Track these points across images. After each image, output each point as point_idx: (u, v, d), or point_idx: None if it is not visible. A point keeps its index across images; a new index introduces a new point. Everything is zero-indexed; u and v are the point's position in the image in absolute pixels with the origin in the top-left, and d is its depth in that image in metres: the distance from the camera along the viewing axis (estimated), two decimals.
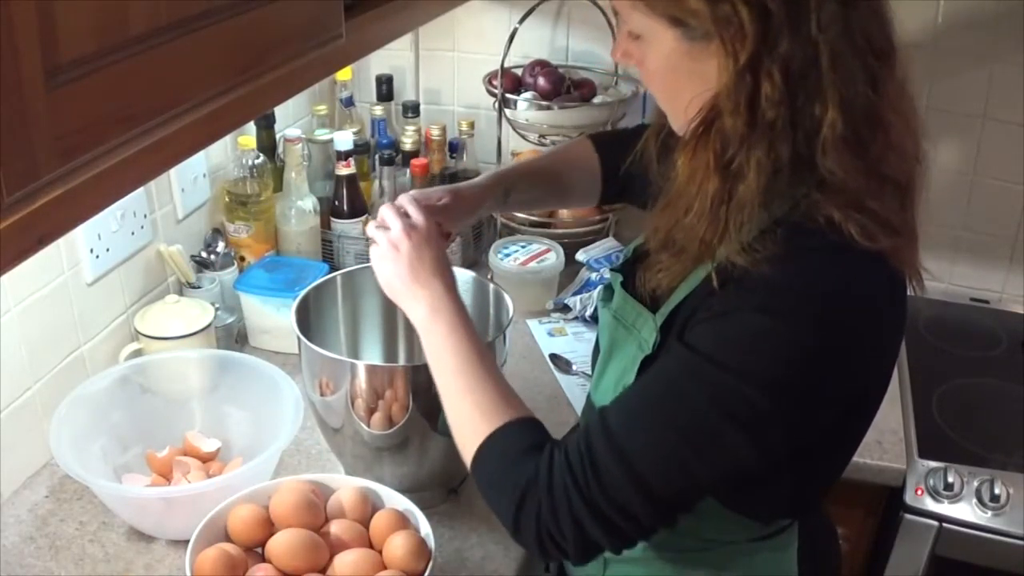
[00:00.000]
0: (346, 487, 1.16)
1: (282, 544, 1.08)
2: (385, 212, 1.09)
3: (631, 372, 0.98)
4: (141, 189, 1.45)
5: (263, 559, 1.09)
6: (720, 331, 0.87)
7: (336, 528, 1.10)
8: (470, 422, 0.97)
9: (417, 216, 1.08)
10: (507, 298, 1.30)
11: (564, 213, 1.94)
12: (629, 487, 0.87)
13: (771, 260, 0.85)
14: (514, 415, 0.96)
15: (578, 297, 1.76)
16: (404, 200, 1.12)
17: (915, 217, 0.93)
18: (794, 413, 0.87)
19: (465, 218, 1.22)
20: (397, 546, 1.09)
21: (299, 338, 1.22)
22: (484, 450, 0.94)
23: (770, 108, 0.83)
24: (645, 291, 0.98)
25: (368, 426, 1.21)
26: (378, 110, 1.97)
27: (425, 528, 1.11)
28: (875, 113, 0.86)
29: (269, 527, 1.12)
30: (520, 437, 0.94)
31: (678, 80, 0.91)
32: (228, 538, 1.10)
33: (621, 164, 1.25)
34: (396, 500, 1.15)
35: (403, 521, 1.12)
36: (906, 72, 0.90)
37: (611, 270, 1.13)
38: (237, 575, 1.06)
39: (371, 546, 1.10)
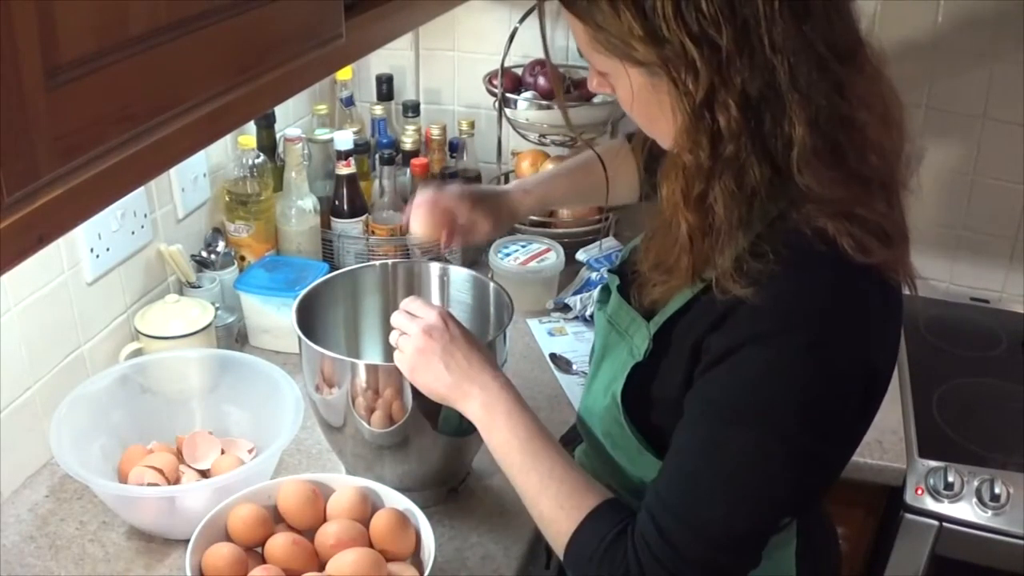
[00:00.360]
0: (346, 487, 1.16)
1: (282, 544, 1.08)
2: (397, 320, 1.10)
3: (621, 377, 0.99)
4: (141, 189, 1.45)
5: (263, 559, 1.09)
6: (731, 378, 0.88)
7: (336, 528, 1.10)
8: (553, 521, 0.96)
9: (426, 313, 1.08)
10: (507, 297, 1.31)
11: (564, 213, 1.94)
12: (710, 552, 0.88)
13: (769, 280, 0.84)
14: (592, 503, 0.95)
15: (578, 297, 1.76)
16: (409, 303, 1.12)
17: (904, 215, 0.93)
18: (819, 436, 0.88)
19: (501, 233, 1.24)
20: (397, 546, 1.09)
21: (300, 337, 1.22)
22: (573, 548, 0.94)
23: (731, 139, 0.82)
24: (639, 304, 0.99)
25: (369, 425, 1.21)
26: (378, 110, 1.97)
27: (425, 528, 1.11)
28: (845, 118, 0.84)
29: (269, 527, 1.12)
30: (602, 526, 0.94)
31: (650, 111, 0.91)
32: (228, 538, 1.10)
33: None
34: (396, 500, 1.15)
35: (403, 521, 1.12)
36: (878, 58, 0.88)
37: (608, 271, 1.13)
38: (240, 574, 1.06)
39: (371, 546, 1.10)
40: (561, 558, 0.96)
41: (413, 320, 1.08)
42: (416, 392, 1.18)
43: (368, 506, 1.14)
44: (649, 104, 0.90)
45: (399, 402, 1.19)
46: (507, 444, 1.01)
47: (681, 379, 0.93)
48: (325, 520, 1.13)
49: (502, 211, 1.31)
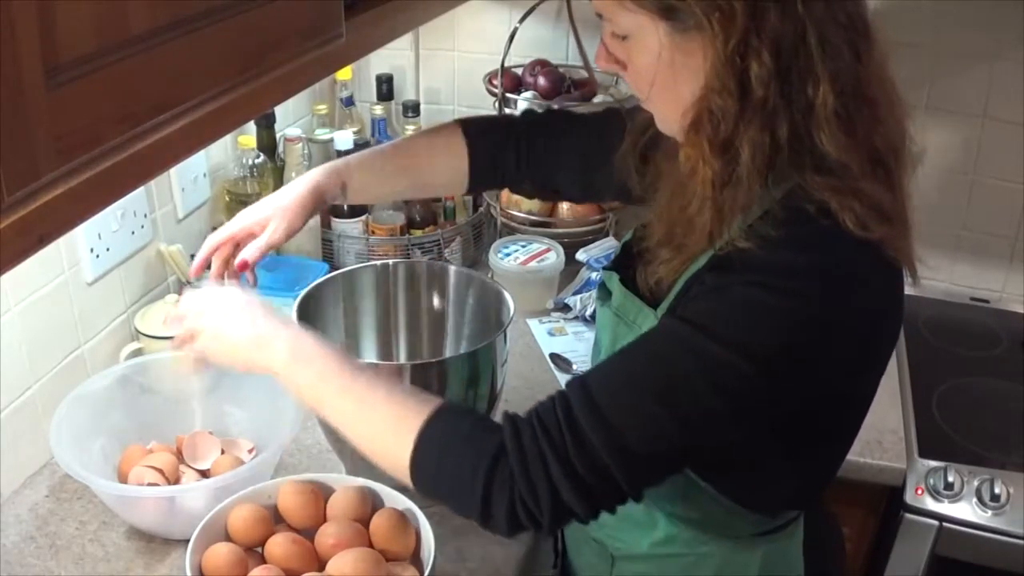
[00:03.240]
0: (346, 487, 1.16)
1: (281, 544, 1.08)
2: (182, 309, 1.05)
3: None
4: (141, 189, 1.45)
5: (263, 559, 1.09)
6: (713, 303, 0.87)
7: (336, 528, 1.10)
8: (393, 425, 0.91)
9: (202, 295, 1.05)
10: (507, 297, 1.31)
11: (564, 212, 1.94)
12: (609, 448, 0.84)
13: (769, 242, 0.85)
14: (438, 402, 0.91)
15: (578, 296, 1.76)
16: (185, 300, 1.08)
17: (905, 204, 0.93)
18: (781, 389, 0.87)
19: (298, 226, 1.19)
20: (397, 545, 1.10)
21: None
22: (423, 443, 0.89)
23: (760, 87, 0.84)
24: (645, 287, 0.98)
25: None
26: (378, 109, 1.97)
27: (425, 528, 1.11)
28: (862, 88, 0.87)
29: (269, 527, 1.12)
30: (460, 419, 0.91)
31: (666, 75, 0.90)
32: (228, 538, 1.10)
33: (497, 153, 1.25)
34: (396, 499, 1.15)
35: (403, 521, 1.12)
36: (884, 54, 0.91)
37: (604, 269, 1.13)
38: (240, 574, 1.06)
39: (371, 546, 1.10)
40: (402, 463, 0.89)
41: (195, 303, 1.04)
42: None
43: (368, 506, 1.14)
44: (671, 69, 0.89)
45: None
46: (323, 373, 0.94)
47: None
48: (325, 520, 1.13)
49: (294, 204, 1.20)
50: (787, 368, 0.85)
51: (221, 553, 1.06)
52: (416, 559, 1.11)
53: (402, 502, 1.15)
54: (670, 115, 0.93)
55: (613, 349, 1.05)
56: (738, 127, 0.85)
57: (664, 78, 0.90)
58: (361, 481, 1.17)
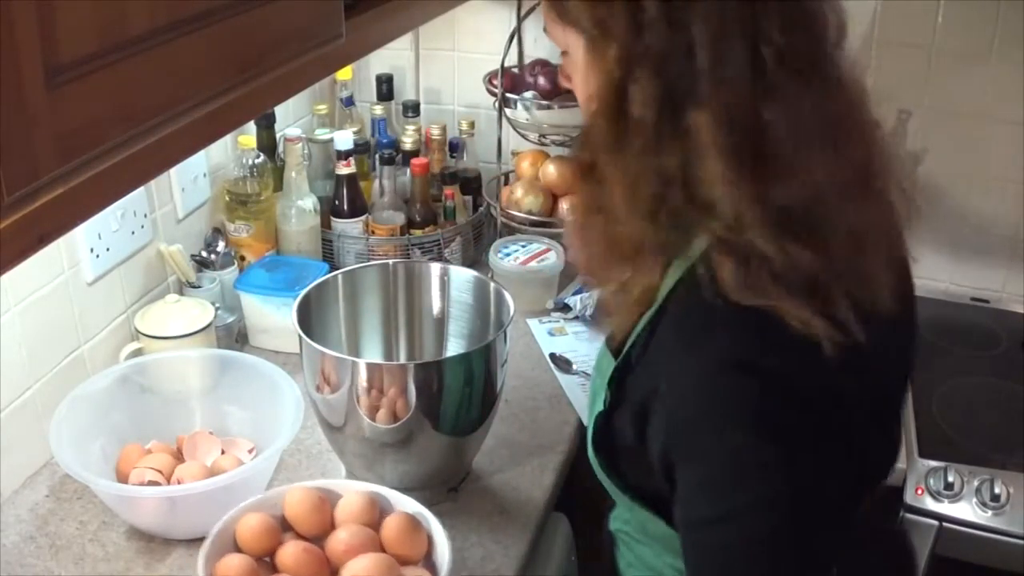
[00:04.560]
0: (353, 492, 1.15)
1: (293, 553, 1.07)
2: None
3: (590, 428, 0.95)
4: (141, 189, 1.45)
5: (274, 568, 1.09)
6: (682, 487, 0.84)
7: (346, 534, 1.10)
8: None
9: None
10: (507, 297, 1.31)
11: (564, 212, 1.94)
12: None
13: (668, 329, 0.82)
14: None
15: (578, 296, 1.76)
16: None
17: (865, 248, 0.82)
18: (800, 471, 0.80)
19: None
20: (409, 549, 1.09)
21: (301, 337, 1.22)
22: None
23: (637, 108, 0.77)
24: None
25: (369, 424, 1.21)
26: (378, 109, 1.97)
27: (438, 530, 1.11)
28: (762, 129, 0.76)
29: (277, 535, 1.11)
30: None
31: (588, 86, 0.85)
32: (237, 548, 1.09)
33: None
34: (404, 503, 1.15)
35: (414, 524, 1.11)
36: (854, 83, 0.82)
37: None
38: None
39: (383, 550, 1.09)
40: None
41: None
42: (418, 391, 1.19)
43: (376, 511, 1.14)
44: (589, 82, 0.84)
45: (400, 401, 1.19)
46: None
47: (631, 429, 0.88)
48: (334, 527, 1.12)
49: None
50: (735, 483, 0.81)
51: (232, 564, 1.05)
52: (429, 562, 1.11)
53: (411, 505, 1.14)
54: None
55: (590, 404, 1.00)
56: (610, 153, 0.79)
57: (583, 91, 0.87)
58: (367, 486, 1.17)
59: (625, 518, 1.07)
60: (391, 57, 2.08)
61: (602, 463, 0.95)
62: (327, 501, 1.14)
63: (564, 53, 0.90)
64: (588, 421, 0.97)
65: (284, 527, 1.13)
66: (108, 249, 1.45)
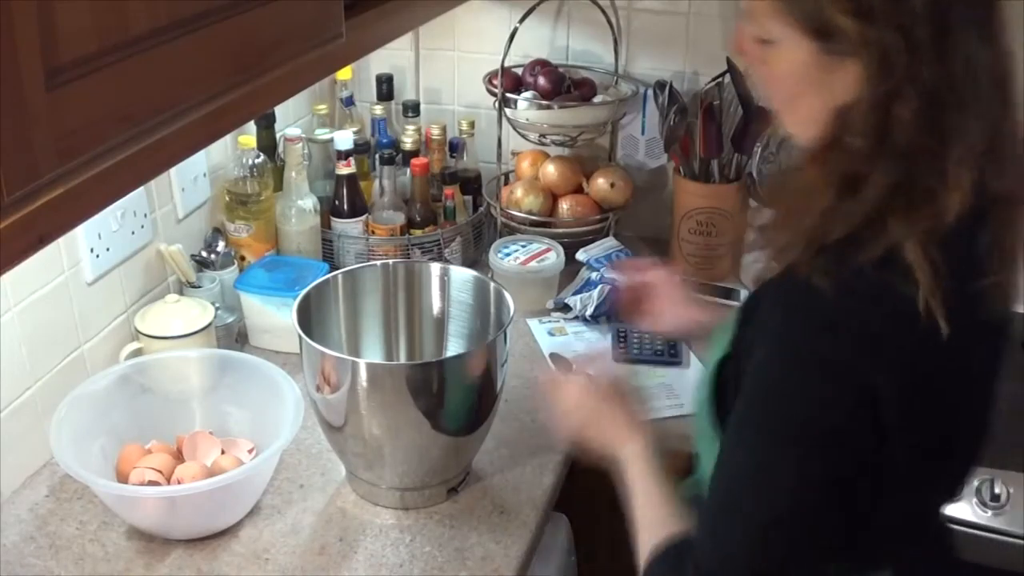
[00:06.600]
0: None
1: None
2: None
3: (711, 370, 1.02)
4: (141, 189, 1.45)
5: None
6: (748, 389, 0.91)
7: None
8: (645, 538, 1.02)
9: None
10: (507, 297, 1.31)
11: (564, 212, 1.94)
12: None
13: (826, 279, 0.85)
14: (667, 538, 0.99)
15: (578, 297, 1.76)
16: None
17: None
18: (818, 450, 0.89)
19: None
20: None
21: (301, 337, 1.22)
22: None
23: (901, 134, 0.82)
24: None
25: (369, 424, 1.21)
26: (378, 109, 1.96)
27: None
28: (1002, 139, 0.86)
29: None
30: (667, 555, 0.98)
31: (802, 88, 0.89)
32: None
33: None
34: None
35: None
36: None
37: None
38: None
39: None
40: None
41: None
42: (416, 391, 1.19)
43: None
44: (805, 82, 0.88)
45: (400, 401, 1.19)
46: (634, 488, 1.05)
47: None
48: None
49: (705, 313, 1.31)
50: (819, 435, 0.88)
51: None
52: None
53: None
54: (793, 125, 0.94)
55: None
56: (869, 167, 0.84)
57: (794, 88, 0.90)
58: None
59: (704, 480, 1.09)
60: (391, 57, 2.08)
61: (712, 402, 1.01)
62: None
63: (757, 38, 0.91)
64: (708, 368, 1.04)
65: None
66: (108, 249, 1.45)
